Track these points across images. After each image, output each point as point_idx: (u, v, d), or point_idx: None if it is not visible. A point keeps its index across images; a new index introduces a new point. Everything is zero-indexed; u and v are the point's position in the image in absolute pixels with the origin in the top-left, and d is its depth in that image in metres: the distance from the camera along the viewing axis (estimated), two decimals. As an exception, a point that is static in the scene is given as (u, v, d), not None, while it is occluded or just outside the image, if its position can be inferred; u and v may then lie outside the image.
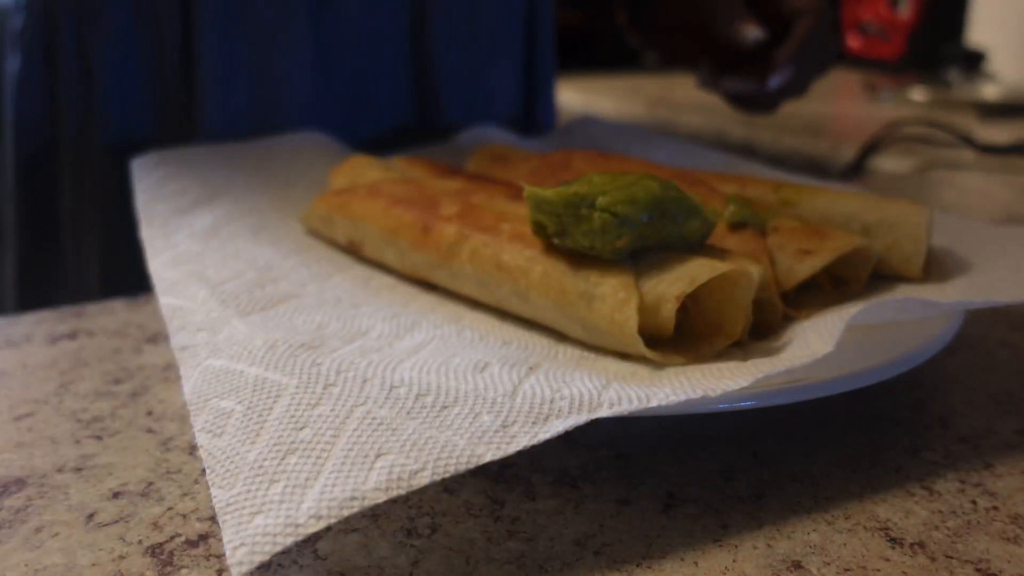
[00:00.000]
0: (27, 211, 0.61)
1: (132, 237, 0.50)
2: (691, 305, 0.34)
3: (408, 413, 0.27)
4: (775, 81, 0.58)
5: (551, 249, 0.36)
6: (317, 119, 0.65)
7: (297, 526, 0.23)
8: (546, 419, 0.27)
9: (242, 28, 0.60)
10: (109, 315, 0.45)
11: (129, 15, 0.58)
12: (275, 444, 0.26)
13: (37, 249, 0.62)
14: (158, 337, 0.42)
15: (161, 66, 0.60)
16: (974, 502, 0.29)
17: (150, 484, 0.30)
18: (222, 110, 0.61)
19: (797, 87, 0.61)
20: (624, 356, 0.33)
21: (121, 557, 0.26)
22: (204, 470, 0.26)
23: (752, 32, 0.61)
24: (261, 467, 0.25)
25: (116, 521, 0.28)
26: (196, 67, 0.60)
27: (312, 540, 0.27)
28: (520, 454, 0.31)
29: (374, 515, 0.29)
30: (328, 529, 0.28)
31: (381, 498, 0.24)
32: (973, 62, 1.37)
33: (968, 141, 0.88)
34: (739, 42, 0.63)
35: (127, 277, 0.58)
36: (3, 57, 0.61)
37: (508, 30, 0.75)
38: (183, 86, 0.61)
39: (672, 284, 0.32)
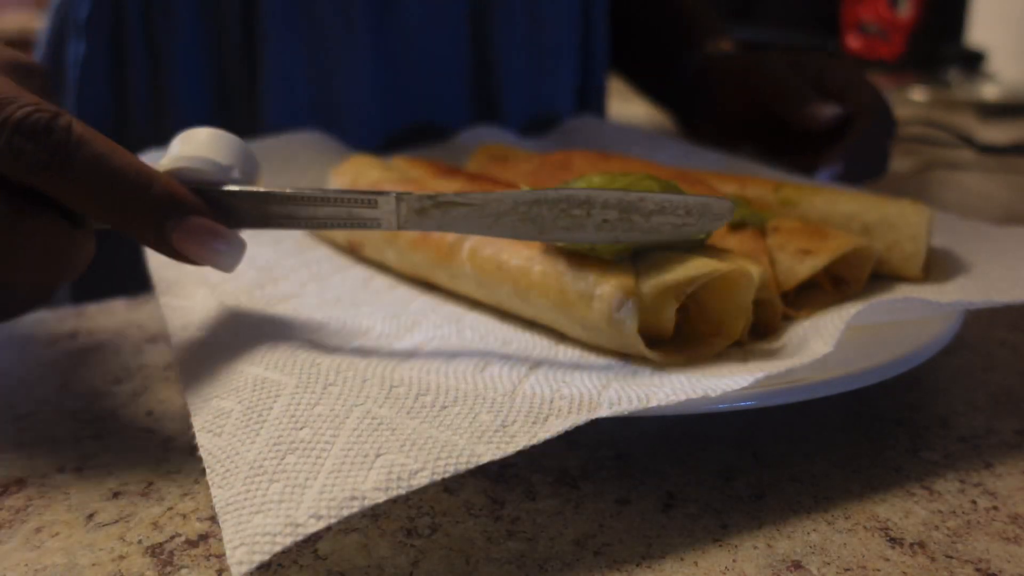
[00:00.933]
0: None
1: None
2: (691, 305, 0.34)
3: (408, 413, 0.27)
4: (822, 176, 0.58)
5: (551, 249, 0.36)
6: (376, 121, 0.66)
7: (297, 526, 0.23)
8: (546, 419, 0.27)
9: (303, 32, 0.62)
10: (109, 315, 0.45)
11: (195, 10, 0.60)
12: (275, 443, 0.26)
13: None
14: (158, 337, 0.42)
15: (225, 62, 0.62)
16: (974, 502, 0.29)
17: (150, 484, 0.30)
18: (282, 108, 0.62)
19: (847, 180, 0.61)
20: (624, 356, 0.33)
21: (121, 557, 0.26)
22: (204, 470, 0.26)
23: (826, 111, 0.60)
24: (261, 466, 0.25)
25: (116, 521, 0.28)
26: (258, 65, 0.62)
27: (312, 540, 0.27)
28: (520, 454, 0.31)
29: (374, 515, 0.29)
30: (328, 529, 0.28)
31: (381, 498, 0.24)
32: (973, 62, 1.37)
33: (968, 141, 0.88)
34: (798, 123, 0.63)
35: None
36: (63, 43, 0.63)
37: (567, 33, 0.75)
38: (246, 82, 0.62)
39: (672, 284, 0.32)
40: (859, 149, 0.60)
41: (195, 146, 0.33)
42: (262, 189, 0.33)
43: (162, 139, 0.57)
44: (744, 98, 0.68)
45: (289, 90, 0.63)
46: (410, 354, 0.33)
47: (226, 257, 0.32)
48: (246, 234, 0.34)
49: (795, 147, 0.65)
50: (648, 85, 0.85)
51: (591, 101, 0.80)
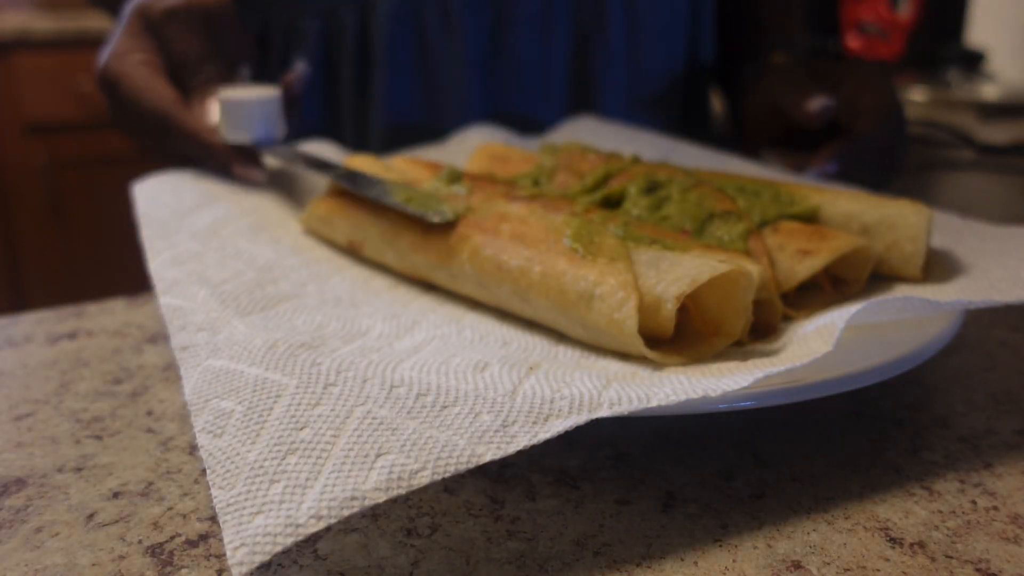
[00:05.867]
0: None
1: None
2: (691, 305, 0.34)
3: (408, 413, 0.27)
4: (811, 174, 0.58)
5: (551, 249, 0.36)
6: None
7: (297, 526, 0.23)
8: (546, 419, 0.27)
9: (415, 70, 0.68)
10: (109, 315, 0.45)
11: (317, 35, 0.67)
12: (275, 444, 0.26)
13: None
14: (158, 337, 0.42)
15: (339, 92, 0.68)
16: (974, 502, 0.29)
17: (150, 484, 0.30)
18: (391, 138, 0.68)
19: (845, 180, 0.61)
20: (624, 356, 0.33)
21: (121, 557, 0.26)
22: (204, 470, 0.26)
23: (814, 103, 0.60)
24: (261, 467, 0.25)
25: (116, 521, 0.28)
26: (370, 101, 0.68)
27: (312, 540, 0.27)
28: (520, 454, 0.31)
29: (374, 515, 0.29)
30: (328, 529, 0.28)
31: (381, 498, 0.24)
32: (973, 62, 1.37)
33: (968, 141, 0.88)
34: (796, 119, 0.62)
35: None
36: None
37: (670, 73, 0.78)
38: (359, 114, 0.68)
39: (672, 284, 0.32)
40: (860, 151, 0.59)
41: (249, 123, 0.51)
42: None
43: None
44: (762, 108, 0.69)
45: (397, 115, 0.68)
46: (410, 354, 0.33)
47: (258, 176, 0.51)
48: (243, 236, 0.34)
49: (809, 151, 0.65)
50: (723, 88, 0.86)
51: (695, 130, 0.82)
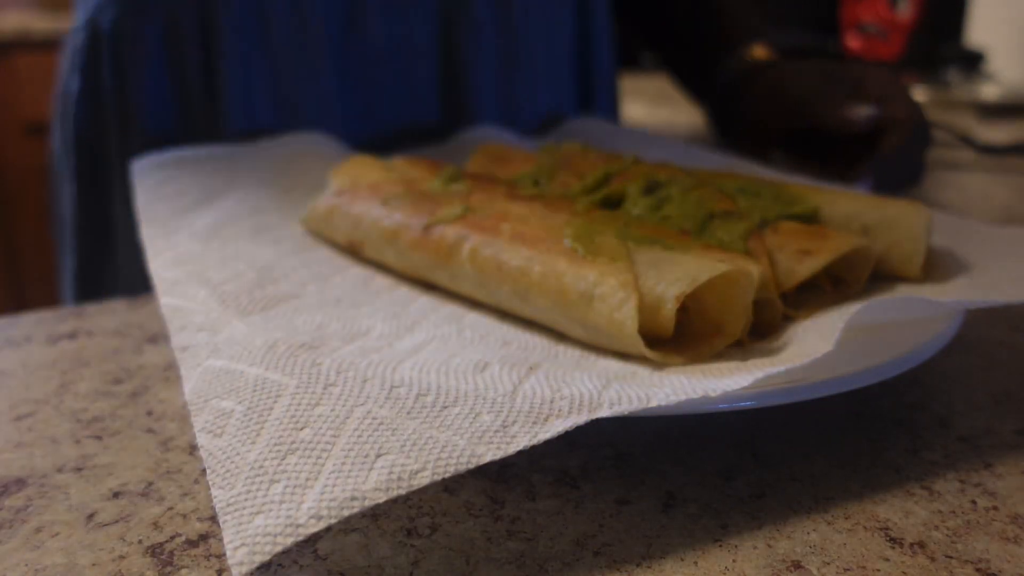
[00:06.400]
0: (83, 215, 0.66)
1: None
2: (691, 305, 0.34)
3: (408, 413, 0.27)
4: (856, 189, 0.57)
5: (551, 249, 0.36)
6: (342, 138, 0.66)
7: (297, 526, 0.23)
8: (546, 419, 0.27)
9: (264, 52, 0.62)
10: (109, 315, 0.45)
11: (159, 32, 0.61)
12: (275, 444, 0.26)
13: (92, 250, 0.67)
14: (158, 337, 0.42)
15: (187, 90, 0.62)
16: (974, 502, 0.29)
17: (150, 484, 0.30)
18: (245, 128, 0.62)
19: (879, 190, 0.60)
20: (624, 356, 0.33)
21: (121, 557, 0.26)
22: (204, 470, 0.26)
23: (862, 112, 0.59)
24: (261, 467, 0.25)
25: (116, 521, 0.28)
26: (219, 89, 0.62)
27: (312, 540, 0.27)
28: (520, 454, 0.31)
29: (374, 515, 0.29)
30: (328, 529, 0.28)
31: (381, 498, 0.24)
32: (973, 62, 1.37)
33: (968, 141, 0.88)
34: (834, 127, 0.62)
35: None
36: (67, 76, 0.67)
37: (553, 45, 0.73)
38: (209, 106, 0.63)
39: (672, 284, 0.32)
40: (894, 161, 0.59)
41: None
42: None
43: (133, 154, 0.60)
44: (776, 107, 0.67)
45: (250, 111, 0.62)
46: (410, 354, 0.33)
47: None
48: (244, 236, 0.34)
49: (827, 156, 0.65)
50: (691, 87, 0.83)
51: (596, 108, 0.79)
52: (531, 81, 0.73)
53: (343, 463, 0.25)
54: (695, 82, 0.82)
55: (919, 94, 1.22)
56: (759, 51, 0.73)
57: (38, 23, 1.85)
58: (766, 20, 0.78)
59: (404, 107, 0.68)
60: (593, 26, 0.76)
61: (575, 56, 0.76)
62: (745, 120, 0.72)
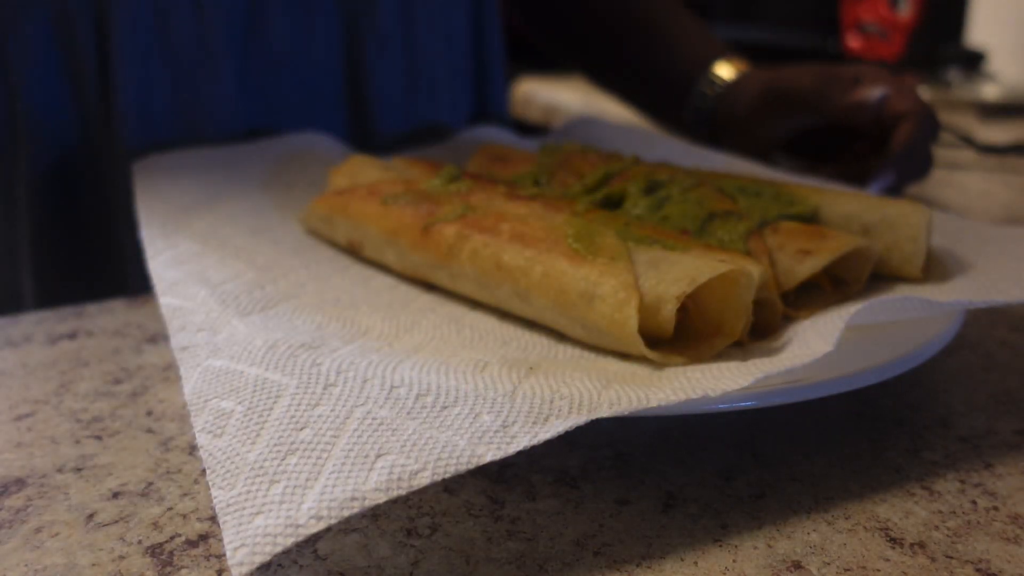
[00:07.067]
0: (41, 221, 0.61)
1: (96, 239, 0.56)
2: (691, 305, 0.34)
3: (408, 413, 0.27)
4: (875, 188, 0.56)
5: (551, 249, 0.36)
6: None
7: (297, 527, 0.23)
8: (546, 419, 0.27)
9: (161, 60, 0.58)
10: (109, 315, 0.45)
11: (48, 35, 0.57)
12: (275, 444, 0.26)
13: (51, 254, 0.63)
14: (158, 337, 0.42)
15: (82, 89, 0.58)
16: (974, 502, 0.29)
17: (150, 484, 0.30)
18: (142, 138, 0.59)
19: (897, 187, 0.59)
20: (624, 356, 0.33)
21: (121, 557, 0.26)
22: (204, 470, 0.26)
23: (872, 93, 0.58)
24: (261, 468, 0.25)
25: (116, 521, 0.28)
26: (114, 95, 0.58)
27: (312, 540, 0.27)
28: (520, 454, 0.31)
29: (374, 515, 0.29)
30: (328, 529, 0.28)
31: (381, 498, 0.24)
32: (973, 62, 1.37)
33: (968, 141, 0.88)
34: (843, 118, 0.60)
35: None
36: None
37: (452, 56, 0.73)
38: (104, 111, 0.59)
39: (672, 284, 0.32)
40: (910, 153, 0.58)
41: None
42: None
43: (19, 163, 0.57)
44: (775, 111, 0.66)
45: (148, 120, 0.59)
46: (410, 354, 0.33)
47: None
48: (243, 236, 0.34)
49: (832, 158, 0.64)
50: (663, 119, 0.82)
51: (491, 118, 0.78)
52: (432, 92, 0.72)
53: (343, 463, 0.25)
54: (667, 114, 0.81)
55: (919, 94, 1.22)
56: (738, 64, 0.73)
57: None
58: (718, 41, 0.78)
59: (308, 112, 0.66)
60: (487, 34, 0.76)
61: (473, 68, 0.76)
62: (739, 132, 0.71)
